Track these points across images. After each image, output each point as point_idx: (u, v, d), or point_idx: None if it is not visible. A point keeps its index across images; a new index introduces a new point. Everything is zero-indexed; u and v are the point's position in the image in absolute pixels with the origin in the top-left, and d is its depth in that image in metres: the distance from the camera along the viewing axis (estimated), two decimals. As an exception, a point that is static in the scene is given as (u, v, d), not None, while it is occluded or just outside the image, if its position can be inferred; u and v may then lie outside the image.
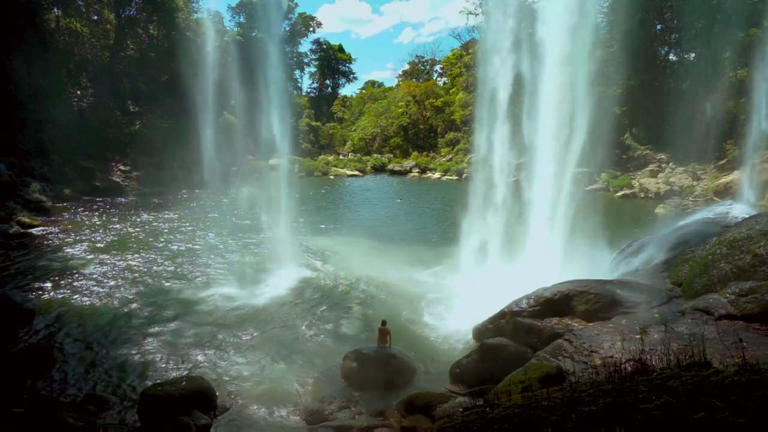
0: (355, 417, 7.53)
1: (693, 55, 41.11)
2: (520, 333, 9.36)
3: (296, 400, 8.27)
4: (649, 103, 39.51)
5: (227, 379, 8.88)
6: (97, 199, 29.47)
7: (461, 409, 3.79)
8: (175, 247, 18.90)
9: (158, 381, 8.21)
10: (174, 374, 8.85)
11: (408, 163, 59.34)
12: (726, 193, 29.44)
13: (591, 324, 8.75)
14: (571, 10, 13.61)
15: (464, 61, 59.28)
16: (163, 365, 9.37)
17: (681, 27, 40.77)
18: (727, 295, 7.96)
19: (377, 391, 8.41)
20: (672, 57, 44.06)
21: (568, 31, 13.69)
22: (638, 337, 7.09)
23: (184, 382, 7.72)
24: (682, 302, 8.77)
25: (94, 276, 14.79)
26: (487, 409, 3.31)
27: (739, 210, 13.05)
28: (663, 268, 10.56)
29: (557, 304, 9.48)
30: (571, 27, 13.70)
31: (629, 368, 3.98)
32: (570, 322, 9.00)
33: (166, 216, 25.63)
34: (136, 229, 22.14)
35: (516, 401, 3.54)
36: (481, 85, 17.47)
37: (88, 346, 10.07)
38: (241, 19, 60.69)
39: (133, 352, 9.90)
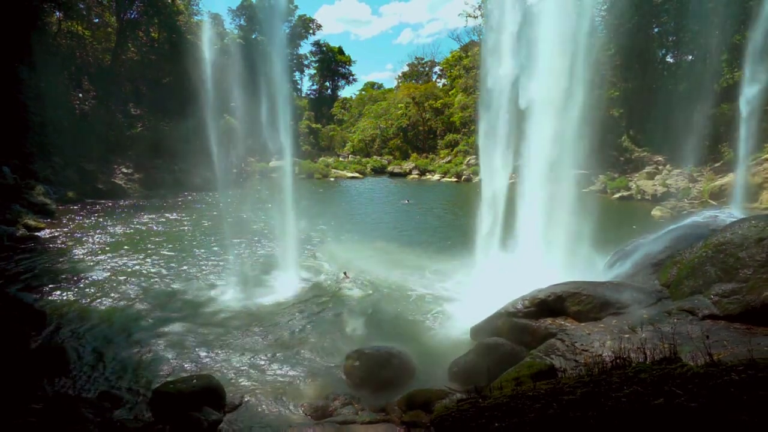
0: (357, 413, 7.89)
1: (690, 57, 41.50)
2: (515, 333, 9.72)
3: (301, 397, 8.64)
4: (647, 106, 39.92)
5: (235, 377, 9.24)
6: (100, 202, 29.85)
7: (457, 401, 4.18)
8: (179, 249, 19.26)
9: (169, 379, 8.59)
10: (184, 372, 9.22)
11: (407, 165, 59.82)
12: (721, 195, 29.88)
13: (583, 324, 9.12)
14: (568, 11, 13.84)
15: (463, 63, 59.73)
16: (173, 364, 9.73)
17: (678, 30, 41.22)
18: (711, 297, 8.35)
19: (379, 389, 8.78)
20: (669, 59, 44.52)
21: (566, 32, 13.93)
22: (626, 336, 7.48)
23: (194, 380, 8.08)
24: (670, 303, 9.15)
25: (102, 278, 15.16)
26: (480, 399, 3.70)
27: (726, 214, 13.47)
28: (653, 270, 10.95)
29: (551, 305, 9.85)
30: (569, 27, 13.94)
31: (610, 364, 4.35)
32: (563, 323, 9.37)
33: (168, 218, 26.01)
34: (140, 231, 22.50)
35: (506, 393, 3.93)
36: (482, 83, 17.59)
37: (99, 346, 10.44)
38: (242, 22, 61.14)
39: (144, 351, 10.27)
